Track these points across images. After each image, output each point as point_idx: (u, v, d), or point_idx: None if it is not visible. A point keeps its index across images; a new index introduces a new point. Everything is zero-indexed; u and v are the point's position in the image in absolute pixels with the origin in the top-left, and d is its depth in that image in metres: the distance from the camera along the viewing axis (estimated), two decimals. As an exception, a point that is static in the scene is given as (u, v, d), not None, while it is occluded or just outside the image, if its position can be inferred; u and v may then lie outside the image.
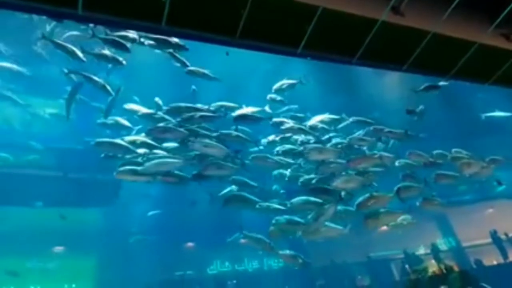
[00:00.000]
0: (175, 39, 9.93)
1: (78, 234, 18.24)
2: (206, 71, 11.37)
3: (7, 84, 14.59)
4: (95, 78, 10.73)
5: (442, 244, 23.06)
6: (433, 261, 17.76)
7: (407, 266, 18.71)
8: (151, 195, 19.34)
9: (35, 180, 15.28)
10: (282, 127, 11.18)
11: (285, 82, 12.93)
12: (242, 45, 4.58)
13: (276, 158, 10.84)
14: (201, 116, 10.00)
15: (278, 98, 12.88)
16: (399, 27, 4.93)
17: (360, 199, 10.13)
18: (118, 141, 9.69)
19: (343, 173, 10.67)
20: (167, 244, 20.56)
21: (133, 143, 9.78)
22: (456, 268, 13.61)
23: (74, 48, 10.08)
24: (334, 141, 11.77)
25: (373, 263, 21.22)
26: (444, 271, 13.02)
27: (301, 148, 10.83)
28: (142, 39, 9.90)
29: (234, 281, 21.79)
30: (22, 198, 16.10)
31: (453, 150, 12.48)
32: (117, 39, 9.49)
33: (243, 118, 10.80)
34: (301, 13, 4.52)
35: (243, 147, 10.81)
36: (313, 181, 10.73)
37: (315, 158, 10.47)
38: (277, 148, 11.16)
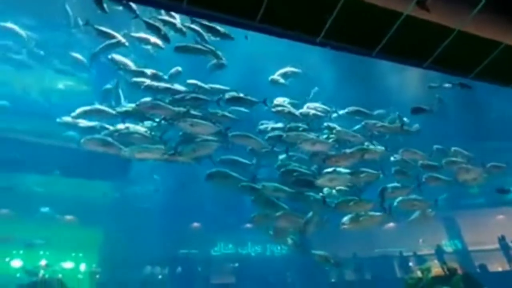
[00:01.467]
0: (221, 28, 10.01)
1: (87, 205, 18.64)
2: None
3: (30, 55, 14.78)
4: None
5: (448, 246, 22.92)
6: (436, 262, 17.69)
7: (411, 264, 18.71)
8: (160, 174, 19.57)
9: (53, 150, 15.51)
10: (273, 110, 10.85)
11: (289, 69, 12.79)
12: (262, 29, 4.51)
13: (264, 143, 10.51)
14: (193, 98, 9.87)
15: (281, 80, 12.62)
16: (423, 22, 4.80)
17: (340, 200, 9.89)
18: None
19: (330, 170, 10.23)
20: (173, 222, 20.85)
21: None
22: (459, 271, 13.53)
23: (116, 34, 10.20)
24: (324, 133, 11.24)
25: (375, 259, 21.26)
26: (447, 272, 12.96)
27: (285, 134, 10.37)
28: (187, 24, 10.13)
29: (236, 264, 22.09)
30: (39, 166, 16.43)
31: (452, 149, 12.10)
32: (157, 24, 9.71)
33: (236, 100, 10.55)
34: (323, 1, 4.43)
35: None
36: (295, 173, 10.28)
37: (308, 149, 10.16)
38: (269, 134, 10.82)
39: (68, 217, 20.03)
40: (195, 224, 21.82)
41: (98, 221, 19.18)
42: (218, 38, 10.59)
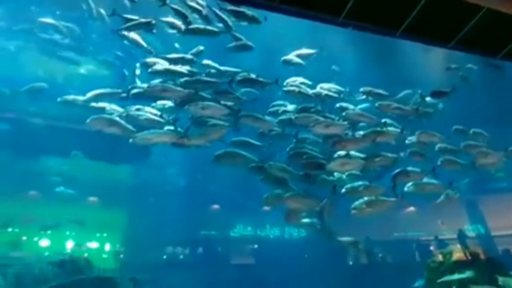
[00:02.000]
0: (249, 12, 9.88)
1: (111, 187, 19.13)
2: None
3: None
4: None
5: (470, 231, 22.58)
6: (458, 246, 17.46)
7: (432, 248, 18.55)
8: (179, 157, 19.78)
9: (77, 134, 15.84)
10: (284, 89, 10.40)
11: (304, 51, 12.41)
12: (282, 10, 4.45)
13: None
14: (205, 81, 9.69)
15: (295, 60, 12.01)
16: (449, 0, 4.65)
17: (349, 185, 9.37)
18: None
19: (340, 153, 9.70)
20: (193, 204, 21.20)
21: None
22: (482, 256, 13.33)
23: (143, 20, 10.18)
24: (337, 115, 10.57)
25: (394, 243, 21.17)
26: (470, 257, 12.79)
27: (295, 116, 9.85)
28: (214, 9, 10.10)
29: (255, 246, 22.40)
30: (63, 149, 16.84)
31: (472, 130, 11.46)
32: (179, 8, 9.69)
33: (248, 82, 10.17)
34: (345, -20, 4.33)
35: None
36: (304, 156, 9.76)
37: (320, 132, 9.62)
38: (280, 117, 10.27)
39: (92, 198, 20.62)
40: (215, 206, 22.11)
41: (121, 203, 19.68)
42: (245, 23, 10.39)
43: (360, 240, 18.53)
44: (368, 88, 11.18)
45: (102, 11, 12.62)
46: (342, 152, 9.63)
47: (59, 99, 10.73)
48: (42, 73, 15.53)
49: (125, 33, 10.75)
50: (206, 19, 10.31)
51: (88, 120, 8.64)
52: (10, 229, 17.93)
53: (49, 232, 18.64)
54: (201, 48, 10.71)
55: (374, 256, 20.35)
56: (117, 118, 8.95)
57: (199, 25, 10.42)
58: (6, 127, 15.85)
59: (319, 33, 13.08)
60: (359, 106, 10.97)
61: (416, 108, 10.87)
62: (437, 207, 11.48)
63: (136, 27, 10.32)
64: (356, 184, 9.37)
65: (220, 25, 10.62)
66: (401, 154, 10.26)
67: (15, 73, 14.89)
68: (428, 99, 11.69)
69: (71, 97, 10.63)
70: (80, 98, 10.37)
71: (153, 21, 10.07)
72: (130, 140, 8.65)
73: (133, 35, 10.84)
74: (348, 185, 9.32)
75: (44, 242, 18.68)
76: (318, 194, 9.63)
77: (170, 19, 10.43)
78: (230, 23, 10.59)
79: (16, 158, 17.60)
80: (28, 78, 14.77)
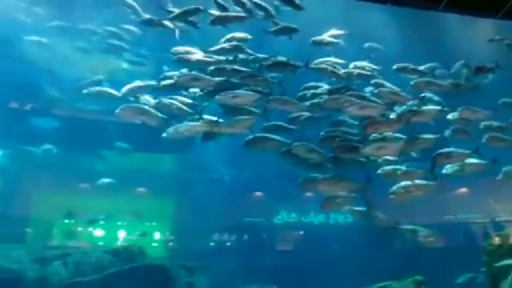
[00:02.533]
0: None
1: (157, 177, 19.80)
2: None
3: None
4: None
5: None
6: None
7: (488, 230, 17.81)
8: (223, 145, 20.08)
9: (121, 127, 16.42)
10: (313, 66, 9.59)
11: (335, 32, 11.80)
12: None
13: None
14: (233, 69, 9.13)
15: (326, 40, 11.21)
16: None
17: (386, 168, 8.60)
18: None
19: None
20: (237, 192, 21.57)
21: None
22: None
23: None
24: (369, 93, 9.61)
25: (449, 226, 20.50)
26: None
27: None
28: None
29: (300, 232, 22.49)
30: (111, 143, 17.58)
31: None
32: None
33: (278, 65, 9.48)
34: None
35: None
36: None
37: (355, 114, 8.86)
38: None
39: (140, 189, 21.50)
40: (258, 194, 22.34)
41: (168, 192, 20.40)
42: (288, 8, 10.07)
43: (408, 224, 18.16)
44: (403, 65, 10.18)
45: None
46: (377, 135, 8.88)
47: (85, 91, 10.93)
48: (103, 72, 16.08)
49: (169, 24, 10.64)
50: (248, 11, 10.02)
51: (117, 110, 8.63)
52: (66, 221, 19.05)
53: (102, 222, 19.66)
54: (248, 36, 10.18)
55: (424, 241, 19.81)
56: (147, 107, 8.87)
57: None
58: (57, 124, 16.81)
59: (354, 12, 12.74)
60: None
61: (458, 83, 9.96)
62: (492, 187, 10.75)
63: (182, 15, 10.03)
64: (393, 167, 8.68)
65: (261, 13, 10.32)
66: (444, 134, 9.57)
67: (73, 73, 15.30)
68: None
69: (106, 90, 10.82)
70: (114, 91, 10.55)
71: (201, 7, 9.81)
72: (164, 135, 8.48)
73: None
74: (385, 168, 8.64)
75: (98, 232, 19.75)
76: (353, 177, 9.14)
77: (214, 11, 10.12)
78: (271, 10, 10.29)
79: (69, 153, 18.64)
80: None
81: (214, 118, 8.71)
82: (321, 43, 11.23)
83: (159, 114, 8.87)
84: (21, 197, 18.99)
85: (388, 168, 8.71)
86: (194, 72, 9.09)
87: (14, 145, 18.05)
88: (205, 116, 8.83)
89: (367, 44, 12.64)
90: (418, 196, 8.78)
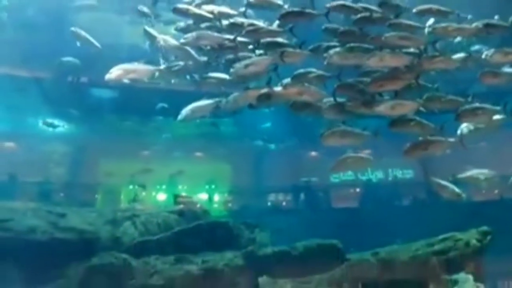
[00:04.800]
0: None
1: (216, 141, 20.36)
2: None
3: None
4: None
5: None
6: None
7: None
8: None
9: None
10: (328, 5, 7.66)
11: None
12: None
13: None
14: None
15: None
16: None
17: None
18: None
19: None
20: (292, 152, 21.67)
21: None
22: None
23: None
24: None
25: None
26: None
27: None
28: None
29: (357, 190, 22.32)
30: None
31: None
32: None
33: (291, 15, 7.85)
34: None
35: None
36: None
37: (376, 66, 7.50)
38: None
39: (198, 153, 22.23)
40: (313, 153, 22.24)
41: (226, 156, 20.93)
42: None
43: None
44: (425, 6, 7.94)
45: None
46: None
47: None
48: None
49: None
50: None
51: None
52: (131, 187, 20.18)
53: (164, 186, 20.65)
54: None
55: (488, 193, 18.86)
56: None
57: None
58: (116, 94, 17.49)
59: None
60: None
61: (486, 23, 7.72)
62: None
63: None
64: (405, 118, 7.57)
65: None
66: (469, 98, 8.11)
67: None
68: None
69: None
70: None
71: None
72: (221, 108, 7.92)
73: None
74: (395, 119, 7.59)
75: (161, 196, 20.81)
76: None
77: None
78: None
79: (129, 122, 19.55)
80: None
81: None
82: None
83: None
84: (88, 165, 20.37)
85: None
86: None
87: (77, 117, 19.18)
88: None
89: None
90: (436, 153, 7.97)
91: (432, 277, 9.37)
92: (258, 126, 21.02)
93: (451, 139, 7.78)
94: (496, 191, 18.52)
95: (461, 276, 9.13)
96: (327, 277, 9.51)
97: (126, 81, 8.39)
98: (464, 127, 7.95)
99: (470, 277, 9.10)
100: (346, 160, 8.12)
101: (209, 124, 19.51)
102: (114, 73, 7.93)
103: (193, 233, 11.09)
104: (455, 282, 9.03)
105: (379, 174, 22.07)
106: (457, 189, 8.71)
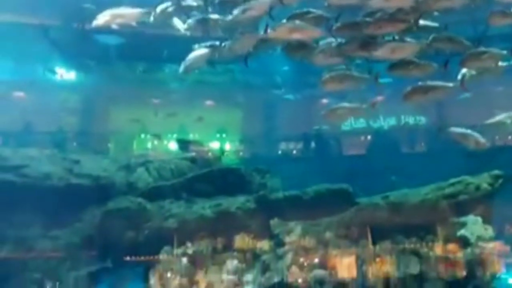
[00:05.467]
0: None
1: (226, 89, 20.27)
2: None
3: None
4: None
5: None
6: None
7: None
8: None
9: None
10: None
11: None
12: None
13: None
14: None
15: None
16: None
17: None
18: None
19: None
20: (302, 100, 21.43)
21: None
22: None
23: None
24: None
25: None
26: None
27: None
28: None
29: (368, 137, 22.22)
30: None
31: None
32: None
33: None
34: None
35: None
36: None
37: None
38: None
39: (209, 102, 22.15)
40: (324, 101, 21.92)
41: (237, 104, 20.80)
42: None
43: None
44: None
45: None
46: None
47: None
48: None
49: None
50: None
51: None
52: (142, 135, 20.35)
53: (175, 135, 20.75)
54: None
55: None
56: None
57: None
58: (123, 40, 17.05)
59: None
60: None
61: None
62: None
63: None
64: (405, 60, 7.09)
65: None
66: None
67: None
68: None
69: None
70: None
71: None
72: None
73: None
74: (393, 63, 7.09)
75: (172, 145, 20.98)
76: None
77: None
78: None
79: (138, 68, 19.33)
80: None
81: None
82: None
83: None
84: (100, 113, 20.47)
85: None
86: None
87: (85, 63, 18.98)
88: None
89: None
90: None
91: (441, 220, 9.49)
92: (271, 73, 20.68)
93: (452, 84, 7.56)
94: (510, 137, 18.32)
95: (470, 218, 9.24)
96: (337, 220, 9.70)
97: (135, 27, 8.20)
98: (466, 71, 7.68)
99: (479, 219, 9.21)
100: (336, 110, 7.95)
101: (223, 72, 19.26)
102: (101, 19, 7.75)
103: (206, 179, 11.30)
104: (464, 224, 9.15)
105: (391, 121, 21.84)
106: (480, 137, 8.59)
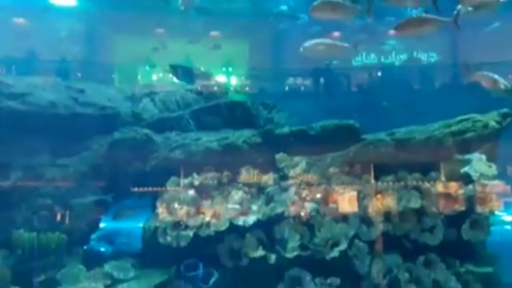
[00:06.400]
0: None
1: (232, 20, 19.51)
2: None
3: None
4: None
5: None
6: None
7: None
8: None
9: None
10: None
11: None
12: None
13: None
14: None
15: None
16: None
17: None
18: None
19: None
20: (313, 33, 20.58)
21: None
22: None
23: None
24: None
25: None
26: None
27: None
28: None
29: (379, 74, 21.75)
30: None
31: None
32: None
33: None
34: None
35: None
36: None
37: None
38: None
39: (214, 33, 21.43)
40: (336, 34, 21.15)
41: (243, 35, 20.11)
42: None
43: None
44: None
45: None
46: None
47: None
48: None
49: None
50: None
51: None
52: (147, 67, 20.04)
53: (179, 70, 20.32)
54: None
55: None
56: None
57: None
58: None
59: None
60: None
61: None
62: None
63: None
64: None
65: None
66: None
67: None
68: None
69: None
70: None
71: None
72: None
73: None
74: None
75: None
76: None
77: None
78: None
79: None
80: None
81: None
82: None
83: None
84: (103, 40, 19.99)
85: None
86: None
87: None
88: None
89: None
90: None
91: (445, 157, 9.46)
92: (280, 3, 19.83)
93: (446, 18, 7.21)
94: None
95: (475, 155, 9.21)
96: (341, 155, 9.73)
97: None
98: (461, 7, 7.29)
99: (483, 156, 9.18)
100: (317, 46, 7.59)
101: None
102: None
103: (212, 112, 11.23)
104: (468, 161, 9.14)
105: (403, 57, 21.25)
106: (505, 82, 8.33)
